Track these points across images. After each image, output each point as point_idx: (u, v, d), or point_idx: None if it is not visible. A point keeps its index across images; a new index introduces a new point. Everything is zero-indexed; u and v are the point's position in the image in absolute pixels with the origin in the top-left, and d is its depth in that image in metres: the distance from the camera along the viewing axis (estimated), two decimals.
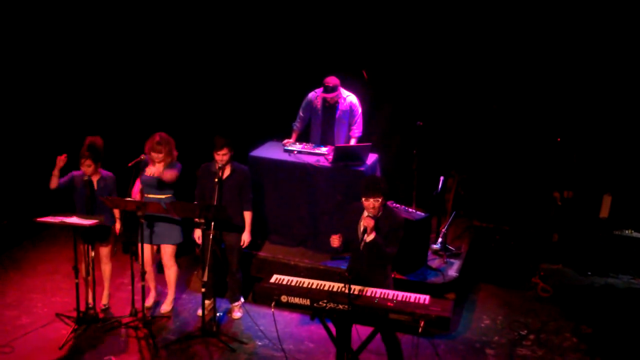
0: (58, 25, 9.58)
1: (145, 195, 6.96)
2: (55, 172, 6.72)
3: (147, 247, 6.96)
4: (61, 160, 6.70)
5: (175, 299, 7.40)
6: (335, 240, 5.69)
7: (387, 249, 5.65)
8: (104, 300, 7.26)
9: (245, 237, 7.03)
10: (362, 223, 5.65)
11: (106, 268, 7.16)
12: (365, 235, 5.63)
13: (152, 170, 6.86)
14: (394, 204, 7.46)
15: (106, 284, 7.24)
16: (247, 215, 7.01)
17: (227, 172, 6.86)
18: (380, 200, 5.60)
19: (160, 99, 9.90)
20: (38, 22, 9.48)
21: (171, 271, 7.17)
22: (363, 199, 5.64)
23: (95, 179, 6.81)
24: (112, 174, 6.94)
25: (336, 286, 5.60)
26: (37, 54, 9.58)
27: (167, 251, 7.07)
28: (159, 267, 7.39)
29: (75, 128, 9.18)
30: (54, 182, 6.75)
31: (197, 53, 9.77)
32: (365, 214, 5.69)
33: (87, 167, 6.72)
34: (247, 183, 6.97)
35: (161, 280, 7.44)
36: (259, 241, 7.82)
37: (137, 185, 7.02)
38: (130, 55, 9.89)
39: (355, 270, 5.68)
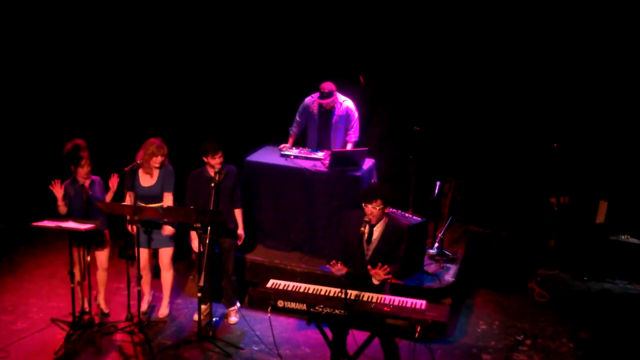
0: (51, 32, 9.59)
1: (140, 204, 6.94)
2: (60, 202, 6.78)
3: (143, 252, 6.96)
4: (58, 190, 6.73)
5: (171, 304, 7.39)
6: (339, 270, 5.63)
7: (394, 268, 5.65)
8: (102, 304, 7.25)
9: (241, 233, 7.05)
10: (362, 229, 5.65)
11: (102, 274, 7.14)
12: (373, 280, 5.62)
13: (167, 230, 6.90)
14: (391, 209, 7.45)
15: (102, 289, 7.22)
16: (238, 213, 7.04)
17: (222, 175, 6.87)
18: (379, 206, 5.60)
19: (155, 103, 9.89)
20: (29, 29, 9.49)
21: (169, 274, 7.17)
22: (363, 204, 5.66)
23: (87, 183, 6.80)
24: (100, 177, 6.93)
25: (333, 291, 5.60)
26: (32, 61, 9.58)
27: (166, 254, 7.07)
28: (154, 272, 7.37)
29: (72, 132, 9.17)
30: (63, 210, 6.82)
31: (193, 58, 9.78)
32: (365, 226, 5.66)
33: (87, 167, 6.73)
34: (237, 183, 6.99)
35: (156, 285, 7.43)
36: (256, 246, 7.80)
37: (130, 194, 6.99)
38: (124, 60, 9.89)
39: (356, 277, 5.68)
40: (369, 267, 5.58)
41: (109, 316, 7.21)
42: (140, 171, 6.89)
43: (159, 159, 6.81)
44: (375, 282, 5.63)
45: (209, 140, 6.78)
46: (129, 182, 6.84)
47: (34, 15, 9.48)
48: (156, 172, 6.90)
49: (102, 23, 9.71)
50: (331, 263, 5.59)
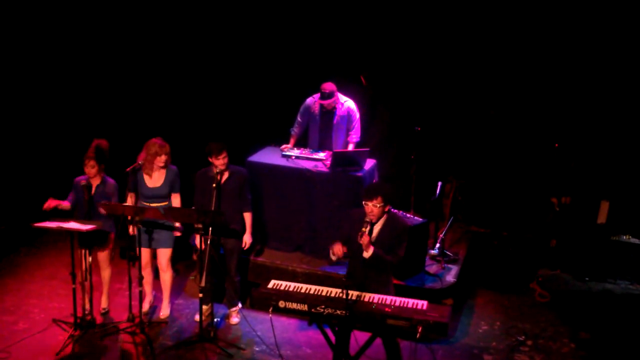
0: (53, 33, 9.59)
1: (145, 204, 6.95)
2: (62, 204, 6.74)
3: (145, 251, 6.97)
4: (50, 203, 6.69)
5: (173, 305, 7.39)
6: (338, 250, 5.68)
7: (388, 258, 5.65)
8: (104, 303, 7.24)
9: (247, 239, 7.04)
10: (361, 233, 5.64)
11: (105, 273, 7.14)
12: (364, 252, 5.63)
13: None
14: (392, 210, 7.46)
15: (105, 288, 7.21)
16: (247, 217, 7.03)
17: (225, 176, 6.87)
18: (379, 204, 5.61)
19: (156, 104, 9.89)
20: (31, 31, 9.49)
21: (167, 275, 7.17)
22: (364, 202, 5.67)
23: (95, 183, 6.79)
24: (114, 181, 6.92)
25: (334, 291, 5.60)
26: (32, 63, 9.58)
27: (164, 255, 7.07)
28: (155, 273, 7.37)
29: (72, 133, 9.22)
30: (65, 207, 6.78)
31: (195, 58, 9.78)
32: (366, 226, 5.66)
33: (90, 168, 6.72)
34: (245, 185, 6.98)
35: (157, 286, 7.43)
36: (257, 246, 7.81)
37: (132, 195, 7.00)
38: (126, 60, 9.89)
39: (356, 276, 5.68)
40: (358, 238, 5.59)
41: (108, 313, 7.19)
42: (143, 172, 6.90)
43: (163, 157, 6.83)
44: (366, 254, 5.62)
45: (211, 140, 6.78)
46: (131, 183, 6.84)
47: (35, 15, 9.49)
48: (160, 173, 6.92)
49: (105, 24, 9.72)
50: (334, 249, 5.64)
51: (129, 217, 6.68)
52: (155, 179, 6.93)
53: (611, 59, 8.51)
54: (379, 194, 5.62)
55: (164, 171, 6.94)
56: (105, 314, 7.21)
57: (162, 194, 6.93)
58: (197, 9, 9.61)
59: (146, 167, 6.88)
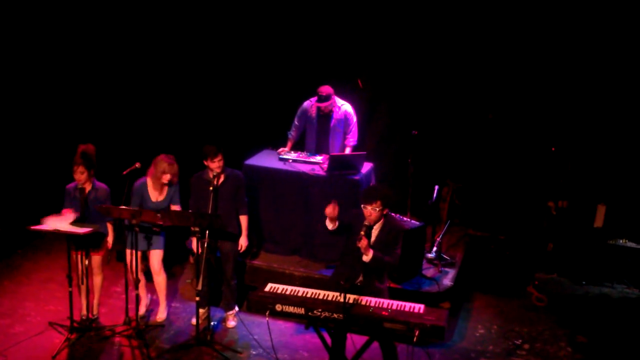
0: (51, 35, 9.58)
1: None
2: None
3: (140, 254, 6.96)
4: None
5: (169, 308, 7.38)
6: (331, 211, 5.74)
7: (387, 259, 5.66)
8: (94, 310, 7.19)
9: (243, 242, 7.04)
10: (359, 237, 5.65)
11: (97, 279, 7.07)
12: (363, 256, 5.64)
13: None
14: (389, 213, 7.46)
15: (96, 295, 7.14)
16: (244, 220, 7.02)
17: (221, 179, 6.86)
18: (378, 208, 5.61)
19: (153, 107, 9.88)
20: (31, 32, 9.49)
21: (160, 277, 7.13)
22: (362, 205, 5.67)
23: (87, 188, 6.76)
24: (106, 186, 6.89)
25: (331, 295, 5.60)
26: (30, 65, 9.57)
27: (157, 256, 7.03)
28: (147, 276, 7.32)
29: (69, 136, 9.18)
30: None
31: (192, 61, 9.77)
32: (363, 229, 5.66)
33: (80, 175, 6.67)
34: (241, 187, 6.98)
35: (153, 289, 7.41)
36: (254, 250, 7.81)
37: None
38: (122, 63, 9.88)
39: (352, 277, 5.69)
40: (357, 242, 5.58)
41: (97, 320, 7.14)
42: (150, 187, 6.89)
43: (168, 176, 6.82)
44: (366, 258, 5.62)
45: (208, 143, 6.78)
46: (136, 199, 6.84)
47: (35, 18, 9.48)
48: (164, 188, 6.91)
49: (103, 27, 9.72)
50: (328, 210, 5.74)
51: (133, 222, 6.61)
52: (158, 194, 6.93)
53: (608, 64, 8.53)
54: (377, 198, 5.63)
55: (173, 183, 6.95)
56: (94, 320, 7.13)
57: (163, 208, 6.92)
58: (194, 10, 9.60)
59: (154, 182, 6.87)
